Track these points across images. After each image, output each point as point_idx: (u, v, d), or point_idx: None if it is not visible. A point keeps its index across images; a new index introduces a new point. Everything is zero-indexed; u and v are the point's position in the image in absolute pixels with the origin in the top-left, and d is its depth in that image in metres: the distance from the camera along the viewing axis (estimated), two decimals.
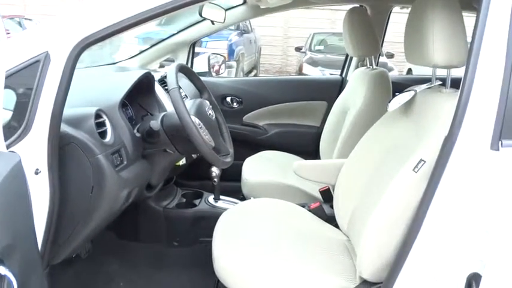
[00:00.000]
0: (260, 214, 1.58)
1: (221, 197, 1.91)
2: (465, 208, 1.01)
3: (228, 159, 1.40)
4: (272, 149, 2.44)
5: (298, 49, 8.20)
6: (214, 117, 1.39)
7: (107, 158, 1.09)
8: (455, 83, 1.27)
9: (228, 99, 2.51)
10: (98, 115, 1.15)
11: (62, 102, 0.98)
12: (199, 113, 1.30)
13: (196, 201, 1.88)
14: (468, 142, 1.01)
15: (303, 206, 1.80)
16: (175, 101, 1.17)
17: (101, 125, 1.16)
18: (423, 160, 1.15)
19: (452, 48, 1.17)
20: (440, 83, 1.36)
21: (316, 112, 2.53)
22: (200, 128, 1.26)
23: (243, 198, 2.02)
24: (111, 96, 1.27)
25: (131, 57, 2.29)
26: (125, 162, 1.19)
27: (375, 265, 1.21)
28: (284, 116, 2.54)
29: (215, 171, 1.79)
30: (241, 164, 2.17)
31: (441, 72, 1.29)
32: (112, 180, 1.10)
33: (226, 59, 6.77)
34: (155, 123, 1.27)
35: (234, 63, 7.01)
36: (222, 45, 6.57)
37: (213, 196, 1.88)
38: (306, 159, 2.25)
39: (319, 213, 1.72)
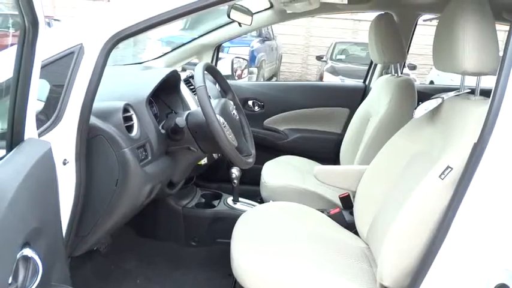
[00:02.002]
0: (279, 217, 1.57)
1: (240, 199, 1.91)
2: (493, 216, 0.98)
3: (250, 160, 1.40)
4: (292, 154, 2.43)
5: (319, 58, 8.19)
6: (237, 118, 1.39)
7: (133, 152, 1.11)
8: (483, 93, 1.25)
9: (250, 102, 2.52)
10: (125, 109, 1.17)
11: (93, 95, 1.00)
12: (224, 112, 1.31)
13: (215, 202, 1.88)
14: (498, 149, 0.99)
15: (322, 212, 1.78)
16: (202, 99, 1.18)
17: (128, 119, 1.17)
18: (450, 167, 1.12)
19: (483, 55, 1.15)
20: (469, 91, 1.34)
21: (338, 119, 2.52)
22: (224, 127, 1.27)
23: (261, 201, 2.02)
24: (139, 92, 1.29)
25: (157, 58, 2.33)
26: (150, 158, 1.20)
27: (397, 272, 1.18)
28: (305, 122, 2.54)
29: (235, 172, 1.79)
30: (261, 168, 2.17)
31: (467, 83, 1.28)
32: (136, 174, 1.11)
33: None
34: (181, 120, 1.28)
35: (255, 70, 7.05)
36: (244, 52, 6.62)
37: (232, 198, 1.89)
38: (325, 165, 2.24)
39: (338, 219, 1.70)
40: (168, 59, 2.31)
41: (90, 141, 1.05)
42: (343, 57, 8.41)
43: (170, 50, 2.40)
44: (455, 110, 1.30)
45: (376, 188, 1.57)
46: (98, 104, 1.08)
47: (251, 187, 2.16)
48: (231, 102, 1.44)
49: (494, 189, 0.99)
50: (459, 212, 1.02)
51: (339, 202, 1.86)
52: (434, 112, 1.42)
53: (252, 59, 6.93)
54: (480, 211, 1.00)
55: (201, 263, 1.73)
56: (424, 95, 1.76)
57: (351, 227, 1.67)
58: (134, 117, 1.19)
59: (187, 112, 1.36)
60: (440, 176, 1.13)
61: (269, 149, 2.49)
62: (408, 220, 1.18)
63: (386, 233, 1.22)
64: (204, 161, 1.65)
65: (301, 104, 2.50)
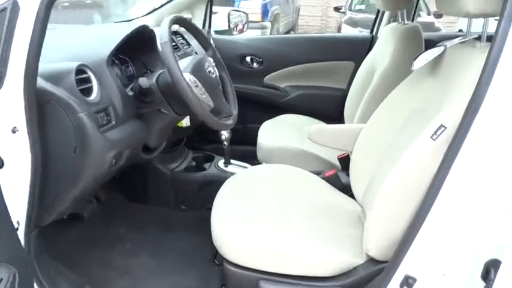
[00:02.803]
0: (268, 181, 1.48)
1: (232, 161, 1.83)
2: (486, 184, 0.86)
3: (229, 122, 1.29)
4: (293, 112, 2.30)
5: (337, 9, 7.75)
6: (215, 76, 1.27)
7: (90, 117, 1.02)
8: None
9: (248, 59, 2.37)
10: (80, 71, 1.07)
11: (36, 55, 0.91)
12: (197, 70, 1.19)
13: (206, 165, 1.81)
14: (496, 105, 0.84)
15: (319, 174, 1.68)
16: (166, 56, 1.07)
17: (85, 81, 1.08)
18: (444, 126, 0.99)
19: None
20: (476, 36, 1.17)
21: (342, 73, 2.35)
22: (196, 86, 1.16)
23: (257, 163, 1.93)
24: (99, 51, 1.19)
25: (146, 14, 2.19)
26: (113, 122, 1.11)
27: (382, 243, 1.09)
28: (307, 78, 2.38)
29: (224, 134, 1.70)
30: (260, 128, 2.06)
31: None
32: (96, 141, 1.03)
33: (260, 20, 6.51)
34: (144, 81, 1.17)
35: (268, 24, 6.73)
36: (255, 5, 6.31)
37: (223, 160, 1.80)
38: (329, 124, 2.11)
39: (334, 181, 1.60)
40: (158, 15, 2.17)
41: (41, 106, 0.97)
42: (362, 7, 7.93)
43: (162, 3, 2.24)
44: (457, 59, 1.14)
45: (372, 148, 1.45)
46: (49, 66, 0.99)
47: (250, 147, 2.06)
48: (210, 59, 1.32)
49: (489, 153, 0.85)
50: (448, 178, 0.90)
51: (338, 163, 1.75)
52: (436, 63, 1.26)
53: (264, 13, 6.60)
54: (472, 177, 0.87)
55: (191, 227, 1.68)
56: (432, 44, 1.57)
57: (347, 189, 1.57)
58: (93, 79, 1.10)
59: (160, 72, 1.25)
60: (432, 136, 1.00)
61: (269, 108, 2.37)
62: (394, 186, 1.06)
63: (375, 198, 1.12)
64: (186, 123, 1.55)
65: (303, 58, 2.34)
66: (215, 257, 1.28)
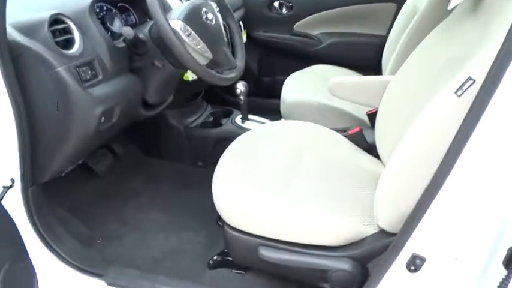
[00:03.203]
0: (282, 139, 1.36)
1: (251, 117, 1.72)
2: None
3: (232, 75, 1.16)
4: (326, 62, 2.11)
5: None
6: (215, 23, 1.14)
7: (70, 72, 0.95)
8: None
9: (276, 4, 2.16)
10: (58, 20, 0.98)
11: (2, 3, 0.83)
12: (191, 17, 1.06)
13: (224, 121, 1.71)
14: None
15: (344, 132, 1.53)
16: (150, 1, 0.95)
17: (65, 32, 1.00)
18: (472, 79, 0.80)
19: None
20: None
21: (382, 17, 2.08)
22: (188, 35, 1.03)
23: (280, 119, 1.81)
24: None
25: None
26: (100, 77, 1.03)
27: (394, 212, 0.95)
28: (342, 23, 2.14)
29: (240, 87, 1.58)
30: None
31: None
32: (79, 97, 0.96)
33: None
34: (128, 30, 1.07)
35: None
36: None
37: (241, 116, 1.70)
38: (365, 75, 1.91)
39: (358, 140, 1.44)
40: None
41: (14, 60, 0.91)
42: None
43: None
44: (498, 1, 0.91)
45: (400, 102, 1.26)
46: (21, 17, 0.92)
47: (277, 102, 1.92)
48: (212, 5, 1.17)
49: None
50: (470, 142, 0.73)
51: (367, 120, 1.58)
52: (478, 2, 1.03)
53: None
54: (498, 143, 0.70)
55: (206, 185, 1.61)
56: None
57: (373, 149, 1.42)
58: (74, 29, 1.01)
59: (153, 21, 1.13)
60: (456, 91, 0.82)
61: (299, 57, 2.18)
62: (412, 148, 0.90)
63: (391, 159, 0.97)
64: (192, 76, 1.45)
65: (338, 1, 2.09)
66: (219, 218, 1.21)
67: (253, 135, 1.39)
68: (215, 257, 1.30)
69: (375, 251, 1.01)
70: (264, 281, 1.19)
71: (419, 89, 1.15)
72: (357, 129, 1.47)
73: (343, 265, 1.03)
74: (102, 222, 1.49)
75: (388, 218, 0.97)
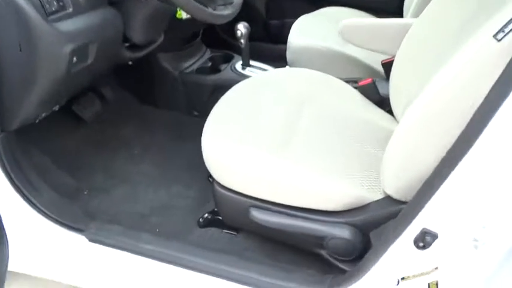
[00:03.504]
0: (284, 88, 1.21)
1: (253, 63, 1.55)
2: None
3: (227, 12, 1.00)
4: (340, 4, 1.89)
5: None
6: None
7: (31, 3, 0.80)
8: None
9: None
10: None
11: None
12: None
13: (223, 67, 1.55)
14: None
15: (355, 82, 1.37)
16: None
17: None
18: None
19: None
20: None
21: None
22: None
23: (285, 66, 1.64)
24: None
25: None
26: (69, 10, 0.88)
27: (403, 178, 0.82)
28: None
29: (240, 29, 1.40)
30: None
31: None
32: (43, 32, 0.82)
33: None
34: None
35: None
36: None
37: (241, 62, 1.53)
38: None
39: (369, 92, 1.29)
40: None
41: None
42: None
43: None
44: None
45: (421, 50, 1.09)
46: None
47: (285, 47, 1.74)
48: None
49: None
50: (508, 100, 0.58)
51: (382, 70, 1.41)
52: None
53: None
54: None
55: (201, 135, 1.50)
56: None
57: (386, 103, 1.26)
58: None
59: None
60: (496, 34, 0.65)
61: None
62: (433, 100, 0.75)
63: (406, 114, 0.83)
64: (185, 14, 1.27)
65: None
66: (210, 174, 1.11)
67: (252, 83, 1.24)
68: (206, 215, 1.20)
69: (379, 219, 0.90)
70: (256, 243, 1.10)
71: (447, 34, 0.97)
72: (369, 80, 1.30)
73: (342, 232, 0.93)
74: (89, 173, 1.39)
75: (396, 183, 0.84)
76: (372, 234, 0.91)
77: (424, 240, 0.69)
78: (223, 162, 0.98)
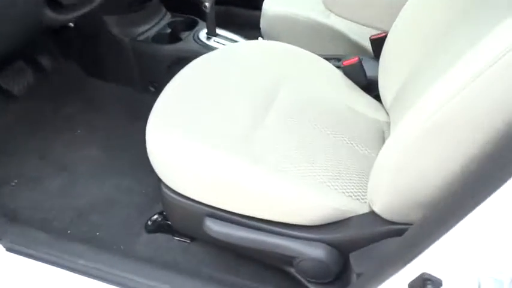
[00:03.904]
0: (251, 66, 1.00)
1: (221, 32, 1.32)
2: None
3: None
4: None
5: None
6: None
7: None
8: None
9: None
10: None
11: None
12: None
13: (184, 35, 1.31)
14: None
15: (338, 60, 1.17)
16: None
17: None
18: None
19: None
20: None
21: None
22: None
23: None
24: None
25: None
26: None
27: (397, 197, 0.64)
28: None
29: None
30: None
31: None
32: None
33: None
34: None
35: None
36: None
37: (206, 30, 1.30)
38: None
39: (354, 73, 1.09)
40: None
41: None
42: None
43: None
44: None
45: (420, 28, 0.90)
46: None
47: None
48: None
49: None
50: None
51: (369, 46, 1.22)
52: None
53: None
54: None
55: None
56: None
57: (373, 87, 1.08)
58: None
59: None
60: None
61: None
62: (447, 102, 0.56)
63: (405, 113, 0.64)
64: None
65: None
66: None
67: (215, 58, 1.02)
68: (155, 217, 1.01)
69: (361, 239, 0.72)
70: (213, 254, 0.92)
71: (456, 8, 0.78)
72: (355, 59, 1.10)
73: (315, 252, 0.75)
74: (20, 159, 1.17)
75: (385, 200, 0.66)
76: (352, 256, 0.74)
77: (425, 287, 0.52)
78: (170, 162, 0.78)
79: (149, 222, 1.00)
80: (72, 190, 1.11)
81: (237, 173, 0.74)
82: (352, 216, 0.75)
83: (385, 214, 0.67)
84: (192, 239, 0.95)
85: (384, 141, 0.94)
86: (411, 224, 0.64)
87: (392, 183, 0.63)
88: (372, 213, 0.72)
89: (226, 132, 0.80)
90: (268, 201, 0.74)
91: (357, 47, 1.28)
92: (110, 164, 1.18)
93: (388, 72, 1.00)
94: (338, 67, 1.11)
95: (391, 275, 0.56)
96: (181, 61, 1.28)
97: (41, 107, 1.31)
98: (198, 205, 0.80)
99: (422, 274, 0.52)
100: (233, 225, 0.78)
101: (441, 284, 0.51)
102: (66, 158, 1.19)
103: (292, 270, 0.82)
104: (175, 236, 0.95)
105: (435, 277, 0.51)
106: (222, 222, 0.79)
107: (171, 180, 0.80)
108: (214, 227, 0.79)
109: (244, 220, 0.78)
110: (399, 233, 0.67)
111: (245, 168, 0.74)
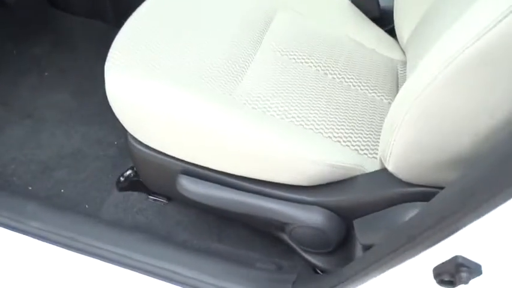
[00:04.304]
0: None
1: None
2: None
3: None
4: None
5: None
6: None
7: None
8: None
9: None
10: None
11: None
12: None
13: None
14: None
15: None
16: None
17: None
18: None
19: None
20: None
21: None
22: None
23: None
24: None
25: None
26: None
27: (417, 156, 0.49)
28: None
29: None
30: None
31: None
32: None
33: None
34: None
35: None
36: None
37: None
38: None
39: (364, 2, 0.91)
40: None
41: None
42: None
43: None
44: None
45: None
46: None
47: None
48: None
49: None
50: None
51: None
52: None
53: None
54: None
55: None
56: None
57: (387, 20, 0.90)
58: None
59: None
60: None
61: None
62: (477, 49, 0.39)
63: (425, 57, 0.47)
64: None
65: None
66: None
67: None
68: (128, 172, 0.86)
69: (370, 203, 0.59)
70: (192, 218, 0.79)
71: None
72: None
73: (312, 217, 0.62)
74: None
75: (404, 158, 0.51)
76: (356, 224, 0.60)
77: (457, 274, 0.38)
78: (132, 108, 0.63)
79: (121, 179, 0.86)
80: (36, 140, 0.97)
81: (214, 120, 0.58)
82: (359, 175, 0.60)
83: (402, 173, 0.53)
84: (170, 199, 0.82)
85: (397, 83, 0.78)
86: (438, 188, 0.50)
87: (412, 136, 0.47)
88: (384, 172, 0.57)
89: (201, 70, 0.64)
90: (253, 154, 0.59)
91: None
92: (79, 111, 1.03)
93: (405, 3, 0.82)
94: None
95: (409, 254, 0.42)
96: None
97: (2, 46, 1.13)
98: (171, 159, 0.65)
99: (455, 258, 0.38)
100: (212, 184, 0.64)
101: (480, 272, 0.37)
102: (31, 104, 1.04)
103: (284, 236, 0.69)
104: (150, 195, 0.82)
105: (473, 262, 0.37)
106: (199, 180, 0.65)
107: (137, 131, 0.65)
108: (189, 186, 0.65)
109: (225, 178, 0.64)
110: (418, 197, 0.53)
111: (223, 114, 0.59)
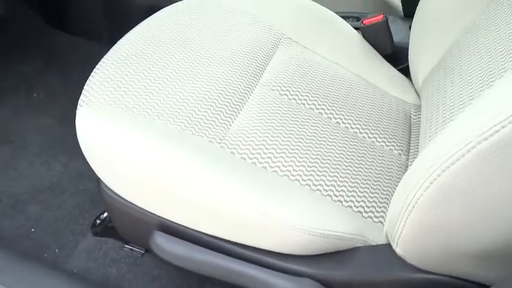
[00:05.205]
0: (242, 22, 0.74)
1: None
2: None
3: None
4: None
5: None
6: None
7: None
8: None
9: None
10: None
11: None
12: None
13: None
14: None
15: (358, 20, 0.91)
16: None
17: None
18: None
19: None
20: None
21: None
22: None
23: None
24: None
25: None
26: None
27: (430, 241, 0.40)
28: None
29: None
30: None
31: None
32: None
33: None
34: None
35: None
36: None
37: None
38: None
39: (377, 36, 0.83)
40: None
41: None
42: None
43: None
44: None
45: None
46: None
47: None
48: None
49: None
50: None
51: (399, 3, 0.96)
52: None
53: None
54: None
55: None
56: None
57: (401, 57, 0.82)
58: None
59: None
60: None
61: None
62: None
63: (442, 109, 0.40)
64: None
65: None
66: None
67: (189, 8, 0.76)
68: (104, 215, 0.78)
69: (371, 284, 0.49)
70: (171, 272, 0.70)
71: None
72: (379, 16, 0.83)
73: None
74: None
75: (411, 240, 0.42)
76: None
77: None
78: (104, 154, 0.55)
79: (97, 221, 0.77)
80: (12, 170, 0.89)
81: (190, 175, 0.50)
82: (361, 247, 0.51)
83: (414, 261, 0.43)
84: (147, 249, 0.73)
85: (410, 131, 0.69)
86: (451, 277, 0.40)
87: (428, 220, 0.38)
88: (391, 248, 0.48)
89: (187, 114, 0.55)
90: (233, 216, 0.50)
91: (382, 2, 1.00)
92: (63, 139, 0.96)
93: (424, 38, 0.74)
94: (357, 28, 0.85)
95: None
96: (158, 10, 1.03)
97: None
98: (147, 212, 0.57)
99: None
100: (192, 245, 0.56)
101: None
102: (13, 128, 0.97)
103: None
104: (126, 245, 0.73)
105: None
106: (176, 239, 0.56)
107: (109, 180, 0.57)
108: (164, 244, 0.56)
109: (208, 238, 0.55)
110: (429, 286, 0.44)
111: (207, 169, 0.50)
